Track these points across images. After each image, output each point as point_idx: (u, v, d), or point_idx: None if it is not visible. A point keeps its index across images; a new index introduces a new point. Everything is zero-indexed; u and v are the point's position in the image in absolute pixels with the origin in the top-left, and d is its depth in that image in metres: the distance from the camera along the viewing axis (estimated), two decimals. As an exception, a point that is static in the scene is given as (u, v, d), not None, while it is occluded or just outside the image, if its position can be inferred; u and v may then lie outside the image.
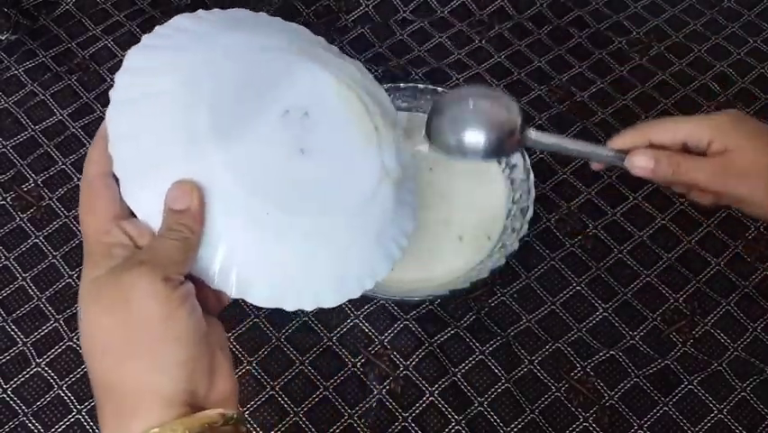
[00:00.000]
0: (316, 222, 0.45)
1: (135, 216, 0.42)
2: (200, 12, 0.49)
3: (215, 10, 0.49)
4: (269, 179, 0.44)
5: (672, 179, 0.52)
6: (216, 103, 0.43)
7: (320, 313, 0.64)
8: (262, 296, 0.44)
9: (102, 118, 0.74)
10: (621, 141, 0.53)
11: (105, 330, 0.38)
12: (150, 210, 0.41)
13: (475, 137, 0.52)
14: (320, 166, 0.46)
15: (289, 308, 0.45)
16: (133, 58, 0.45)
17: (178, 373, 0.38)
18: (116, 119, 0.43)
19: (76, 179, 0.71)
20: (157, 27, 0.46)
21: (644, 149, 0.52)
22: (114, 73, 0.76)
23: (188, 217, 0.41)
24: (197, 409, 0.38)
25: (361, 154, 0.48)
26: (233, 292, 0.43)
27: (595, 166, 0.57)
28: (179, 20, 0.47)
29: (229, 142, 0.43)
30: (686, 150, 0.52)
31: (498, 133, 0.52)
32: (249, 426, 0.59)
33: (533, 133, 0.53)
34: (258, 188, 0.43)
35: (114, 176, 0.42)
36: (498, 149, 0.53)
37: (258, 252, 0.43)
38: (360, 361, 0.62)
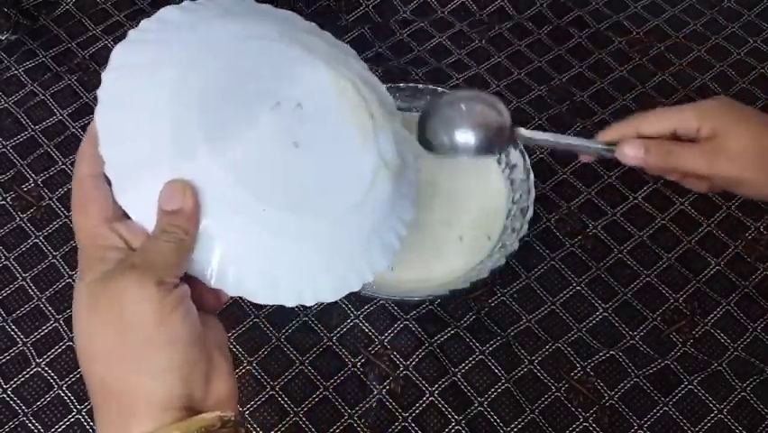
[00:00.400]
0: (312, 218, 0.44)
1: (129, 218, 0.41)
2: (186, 2, 0.47)
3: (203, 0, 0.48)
4: (264, 176, 0.43)
5: (663, 166, 0.52)
6: (205, 98, 0.42)
7: (320, 313, 0.64)
8: (261, 293, 0.43)
9: (102, 118, 0.75)
10: (611, 133, 0.54)
11: (99, 335, 0.38)
12: (143, 211, 0.40)
13: (465, 134, 0.54)
14: (314, 160, 0.45)
15: (290, 303, 0.44)
16: (120, 55, 0.44)
17: (173, 377, 0.38)
18: (105, 119, 0.42)
19: (76, 179, 0.71)
20: (143, 21, 0.45)
21: (633, 138, 0.52)
22: (114, 73, 0.77)
23: (182, 218, 0.40)
24: (195, 413, 0.38)
25: (357, 145, 0.47)
26: (230, 291, 0.42)
27: (584, 158, 0.58)
28: (166, 12, 0.46)
29: (220, 139, 0.42)
30: (676, 138, 0.53)
31: (486, 130, 0.54)
32: (249, 426, 0.59)
33: (523, 131, 0.54)
34: (252, 184, 0.42)
35: (106, 176, 0.41)
36: (488, 145, 0.54)
37: (254, 249, 0.43)
38: (360, 361, 0.62)
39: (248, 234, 0.42)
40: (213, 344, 0.40)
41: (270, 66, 0.46)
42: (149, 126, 0.41)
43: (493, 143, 0.54)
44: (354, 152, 0.47)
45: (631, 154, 0.52)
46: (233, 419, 0.39)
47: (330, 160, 0.46)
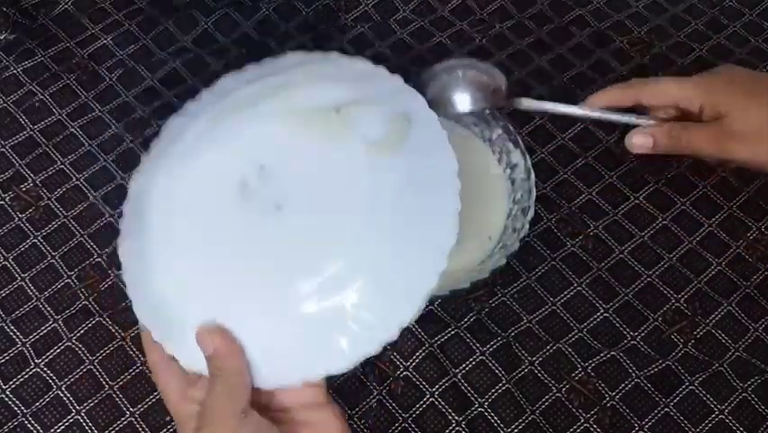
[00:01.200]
0: (338, 261, 0.44)
1: None
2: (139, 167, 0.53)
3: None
4: (261, 264, 0.45)
5: (671, 152, 0.53)
6: (165, 235, 0.47)
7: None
8: (303, 375, 0.47)
9: (101, 117, 0.75)
10: (608, 96, 0.54)
11: None
12: (203, 364, 0.45)
13: (463, 93, 0.58)
14: (302, 210, 0.44)
15: (376, 349, 0.46)
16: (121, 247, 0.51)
17: None
18: (137, 310, 0.49)
19: (74, 179, 0.71)
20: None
21: (641, 129, 0.53)
22: (114, 72, 0.77)
23: (219, 359, 0.43)
24: None
25: (334, 151, 0.45)
26: (299, 383, 0.47)
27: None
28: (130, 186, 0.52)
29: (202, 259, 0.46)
30: (680, 110, 0.53)
31: (484, 90, 0.58)
32: None
33: (524, 100, 0.55)
34: (256, 277, 0.45)
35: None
36: (484, 101, 0.58)
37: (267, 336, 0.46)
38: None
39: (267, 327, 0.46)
40: None
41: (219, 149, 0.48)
42: (154, 294, 0.48)
43: (488, 100, 0.57)
44: (334, 160, 0.45)
45: (640, 143, 0.53)
46: None
47: (316, 190, 0.44)
